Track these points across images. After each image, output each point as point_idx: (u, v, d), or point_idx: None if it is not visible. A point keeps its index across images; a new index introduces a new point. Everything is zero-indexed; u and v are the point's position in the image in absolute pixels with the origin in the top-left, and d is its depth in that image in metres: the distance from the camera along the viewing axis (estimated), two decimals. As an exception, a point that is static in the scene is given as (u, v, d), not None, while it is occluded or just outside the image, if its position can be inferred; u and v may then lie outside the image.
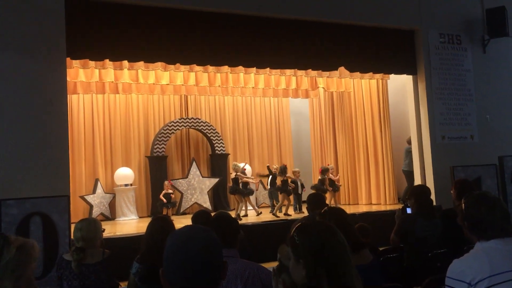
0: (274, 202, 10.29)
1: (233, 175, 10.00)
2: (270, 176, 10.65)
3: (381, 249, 4.79)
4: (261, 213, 10.07)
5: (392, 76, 10.60)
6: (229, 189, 10.39)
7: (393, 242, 4.57)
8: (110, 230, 8.00)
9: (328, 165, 11.70)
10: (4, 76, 6.41)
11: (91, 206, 10.57)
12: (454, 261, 2.32)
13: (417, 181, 9.29)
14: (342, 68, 9.39)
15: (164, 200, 10.57)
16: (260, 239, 7.36)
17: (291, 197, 10.43)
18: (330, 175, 10.94)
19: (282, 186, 10.14)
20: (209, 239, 1.48)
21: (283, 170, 10.31)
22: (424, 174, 9.27)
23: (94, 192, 10.77)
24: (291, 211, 10.25)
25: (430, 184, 8.84)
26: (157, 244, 3.49)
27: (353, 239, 3.05)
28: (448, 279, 2.27)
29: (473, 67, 9.63)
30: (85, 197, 10.63)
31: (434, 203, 6.25)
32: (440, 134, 9.21)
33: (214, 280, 1.46)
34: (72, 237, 5.61)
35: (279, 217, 9.48)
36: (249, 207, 10.21)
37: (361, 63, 9.13)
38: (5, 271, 1.44)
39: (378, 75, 10.38)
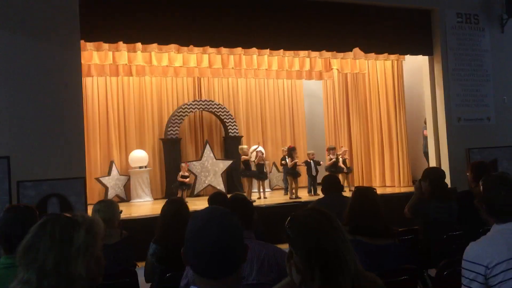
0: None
1: (242, 158, 10.09)
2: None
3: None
4: (266, 198, 10.10)
5: (407, 57, 10.46)
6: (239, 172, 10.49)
7: (406, 215, 4.57)
8: (125, 211, 8.10)
9: (342, 147, 11.67)
10: (19, 60, 6.46)
11: (106, 188, 10.69)
12: (471, 244, 2.30)
13: (432, 163, 9.22)
14: (356, 49, 9.28)
15: (186, 180, 10.57)
16: (274, 221, 7.38)
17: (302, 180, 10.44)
18: (341, 157, 10.94)
19: (290, 168, 10.12)
20: (229, 223, 1.46)
21: (289, 152, 10.30)
22: (439, 156, 9.19)
23: (109, 174, 10.88)
24: (304, 193, 10.29)
25: (445, 166, 8.77)
26: (171, 226, 3.53)
27: (381, 223, 3.02)
28: (465, 262, 2.25)
29: (490, 47, 9.45)
30: (101, 179, 10.75)
31: (449, 186, 6.22)
32: (456, 116, 9.09)
33: (234, 263, 1.45)
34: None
35: (299, 198, 9.53)
36: (260, 190, 10.24)
37: (376, 43, 9.00)
38: (77, 255, 1.46)
39: (393, 56, 10.24)
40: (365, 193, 3.22)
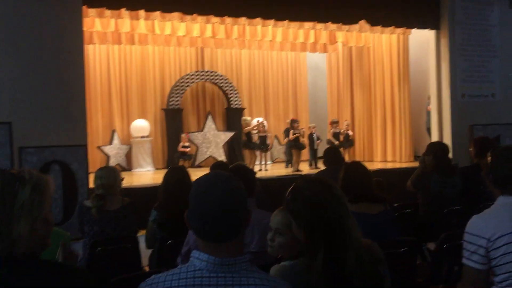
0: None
1: (245, 130, 10.10)
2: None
3: (395, 205, 4.79)
4: (267, 170, 10.15)
5: (413, 31, 10.29)
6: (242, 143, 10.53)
7: (408, 187, 4.59)
8: (127, 180, 8.11)
9: (346, 121, 11.64)
10: (20, 25, 6.36)
11: (108, 157, 10.71)
12: (474, 217, 2.27)
13: (435, 139, 9.18)
14: (362, 22, 9.11)
15: (187, 150, 10.63)
16: (275, 193, 7.40)
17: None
18: (346, 131, 10.91)
19: (294, 141, 10.10)
20: (233, 187, 1.44)
21: (291, 124, 10.29)
22: (441, 132, 9.15)
23: (111, 143, 10.88)
24: (305, 166, 10.31)
25: (448, 142, 8.71)
26: (173, 192, 3.55)
27: (369, 191, 3.04)
28: (467, 234, 2.23)
29: (498, 22, 9.29)
30: (102, 147, 10.75)
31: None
32: (460, 92, 9.01)
33: (237, 227, 1.43)
34: (90, 185, 5.72)
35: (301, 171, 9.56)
36: (262, 162, 10.26)
37: (383, 16, 8.87)
38: (21, 214, 1.34)
39: (399, 30, 10.08)
40: (355, 166, 3.29)
